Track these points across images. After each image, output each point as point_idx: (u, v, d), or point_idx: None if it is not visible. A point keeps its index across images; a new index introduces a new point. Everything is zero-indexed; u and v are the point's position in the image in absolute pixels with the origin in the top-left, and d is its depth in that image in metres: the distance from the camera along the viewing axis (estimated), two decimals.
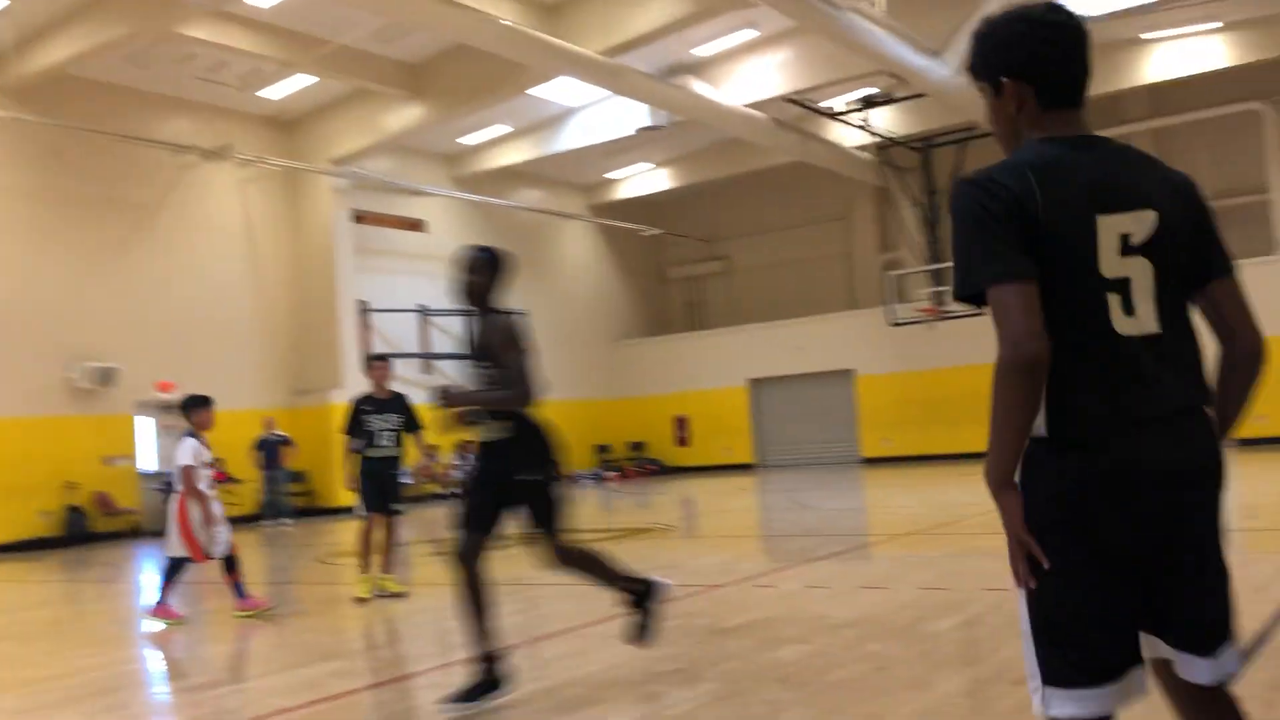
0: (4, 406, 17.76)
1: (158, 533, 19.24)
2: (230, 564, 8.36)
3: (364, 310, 23.46)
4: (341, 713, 5.21)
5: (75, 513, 18.48)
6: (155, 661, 7.36)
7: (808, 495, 17.69)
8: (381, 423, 8.88)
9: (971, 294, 2.19)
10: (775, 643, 5.88)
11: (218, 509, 8.45)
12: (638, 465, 29.40)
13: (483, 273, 5.34)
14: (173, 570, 8.31)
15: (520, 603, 8.38)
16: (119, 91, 19.59)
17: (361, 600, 8.52)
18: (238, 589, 8.34)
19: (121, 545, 17.74)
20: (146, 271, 19.96)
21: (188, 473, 8.28)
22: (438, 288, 25.31)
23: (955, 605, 6.69)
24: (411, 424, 9.02)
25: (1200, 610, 2.16)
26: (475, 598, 5.02)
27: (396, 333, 24.36)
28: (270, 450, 19.48)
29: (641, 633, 5.26)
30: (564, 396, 28.61)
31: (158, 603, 8.24)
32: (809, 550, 10.14)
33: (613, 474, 28.22)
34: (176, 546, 8.30)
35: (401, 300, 24.50)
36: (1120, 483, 2.07)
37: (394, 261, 24.57)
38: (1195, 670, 2.17)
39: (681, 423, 29.86)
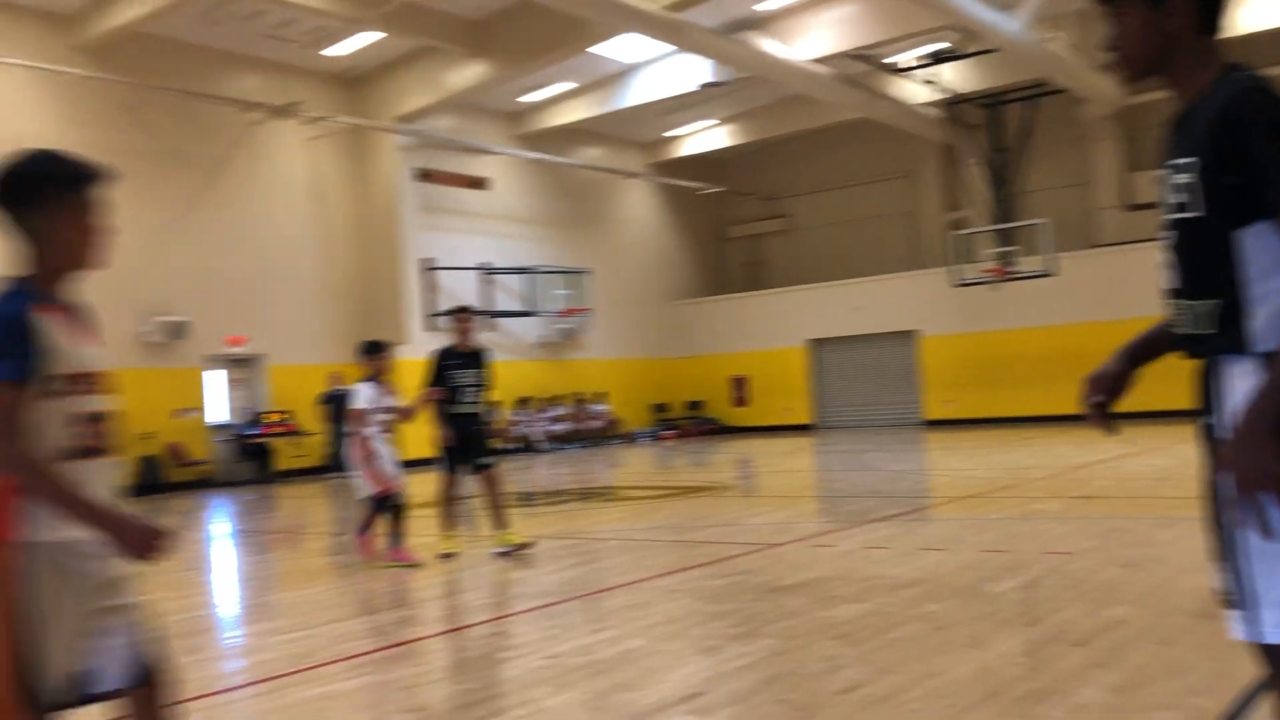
0: None
1: (228, 483, 19.85)
2: (396, 511, 8.44)
3: (428, 268, 23.69)
4: (406, 659, 5.36)
5: (149, 463, 19.03)
6: (228, 607, 7.61)
7: (867, 457, 17.64)
8: (467, 377, 8.66)
9: None
10: (832, 601, 5.93)
11: (387, 453, 8.53)
12: (695, 424, 29.48)
13: None
14: (376, 509, 8.46)
15: (580, 556, 8.52)
16: (190, 49, 19.87)
17: (447, 556, 8.41)
18: (395, 538, 8.36)
19: (192, 495, 18.25)
20: (216, 228, 20.32)
21: (359, 416, 8.44)
22: (500, 246, 25.52)
23: (1016, 567, 6.67)
24: (487, 380, 8.86)
25: None
26: None
27: (459, 290, 24.56)
28: (337, 404, 19.83)
29: None
30: (622, 355, 28.78)
31: (390, 548, 8.32)
32: (868, 511, 10.15)
33: (669, 433, 28.33)
34: (367, 486, 8.46)
35: (464, 258, 24.70)
36: None
37: (457, 220, 24.75)
38: None
39: (740, 382, 29.85)
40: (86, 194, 2.52)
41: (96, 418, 2.56)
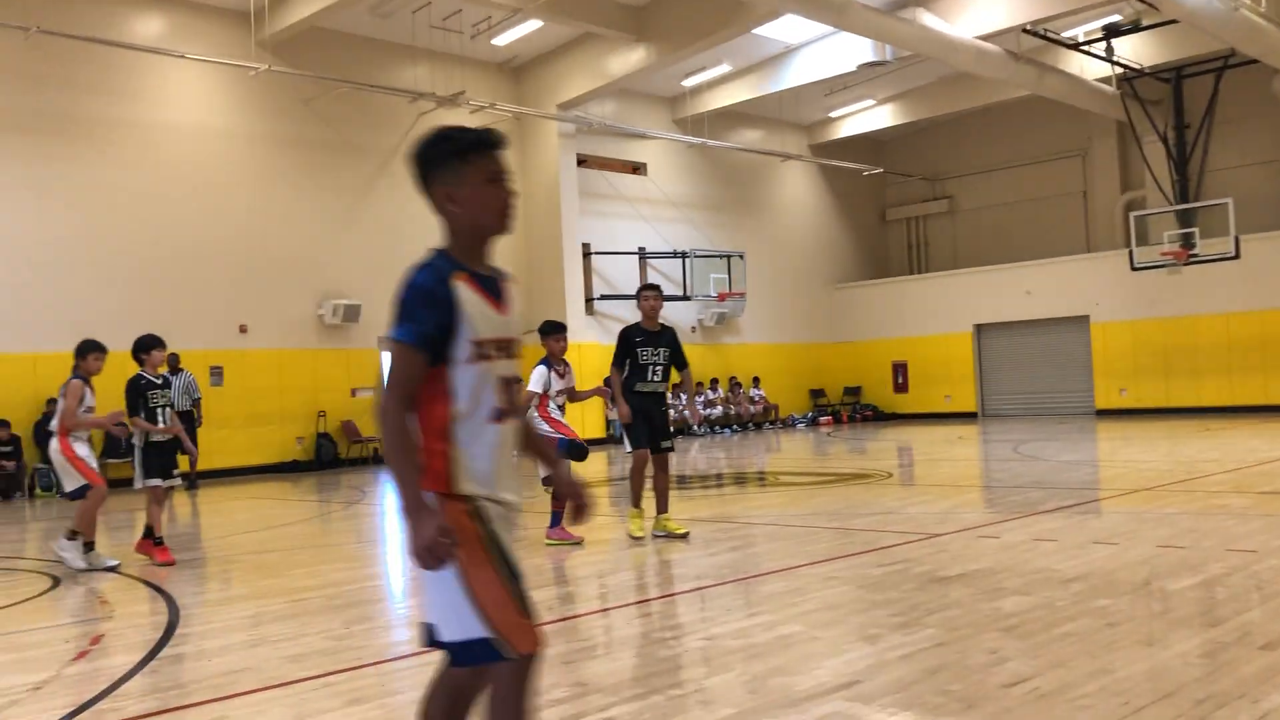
0: (266, 339, 19.30)
1: None
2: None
3: (587, 253, 24.04)
4: (566, 635, 5.48)
5: (325, 439, 19.97)
6: (395, 579, 7.92)
7: (1035, 446, 17.05)
8: (653, 356, 8.49)
9: None
10: (998, 593, 5.77)
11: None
12: (853, 410, 29.06)
13: None
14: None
15: (735, 540, 8.53)
16: (362, 42, 20.67)
17: (635, 539, 8.41)
18: (555, 517, 8.40)
19: (366, 471, 19.06)
20: (386, 214, 21.10)
21: (528, 398, 8.36)
22: (656, 230, 25.68)
23: (1194, 565, 6.36)
24: (679, 359, 8.67)
25: None
26: None
27: (616, 275, 24.88)
28: None
29: None
30: (780, 340, 28.59)
31: (551, 527, 8.42)
32: (1035, 503, 9.82)
33: (827, 418, 28.02)
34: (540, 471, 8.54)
35: (622, 243, 24.96)
36: None
37: (615, 205, 25.03)
38: None
39: (900, 368, 29.26)
40: (487, 162, 2.65)
41: (511, 382, 2.71)
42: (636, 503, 8.65)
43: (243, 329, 19.06)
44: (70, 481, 8.37)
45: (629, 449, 8.62)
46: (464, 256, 2.67)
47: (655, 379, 8.52)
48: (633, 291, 25.96)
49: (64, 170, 17.29)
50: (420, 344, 2.58)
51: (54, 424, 8.45)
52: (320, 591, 7.03)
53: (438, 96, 20.27)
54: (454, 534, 2.49)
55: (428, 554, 2.46)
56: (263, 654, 5.25)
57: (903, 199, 31.57)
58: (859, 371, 29.78)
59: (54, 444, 8.38)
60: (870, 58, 21.87)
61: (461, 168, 2.64)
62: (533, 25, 20.40)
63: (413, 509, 2.50)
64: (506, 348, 2.69)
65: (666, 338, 8.59)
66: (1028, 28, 20.76)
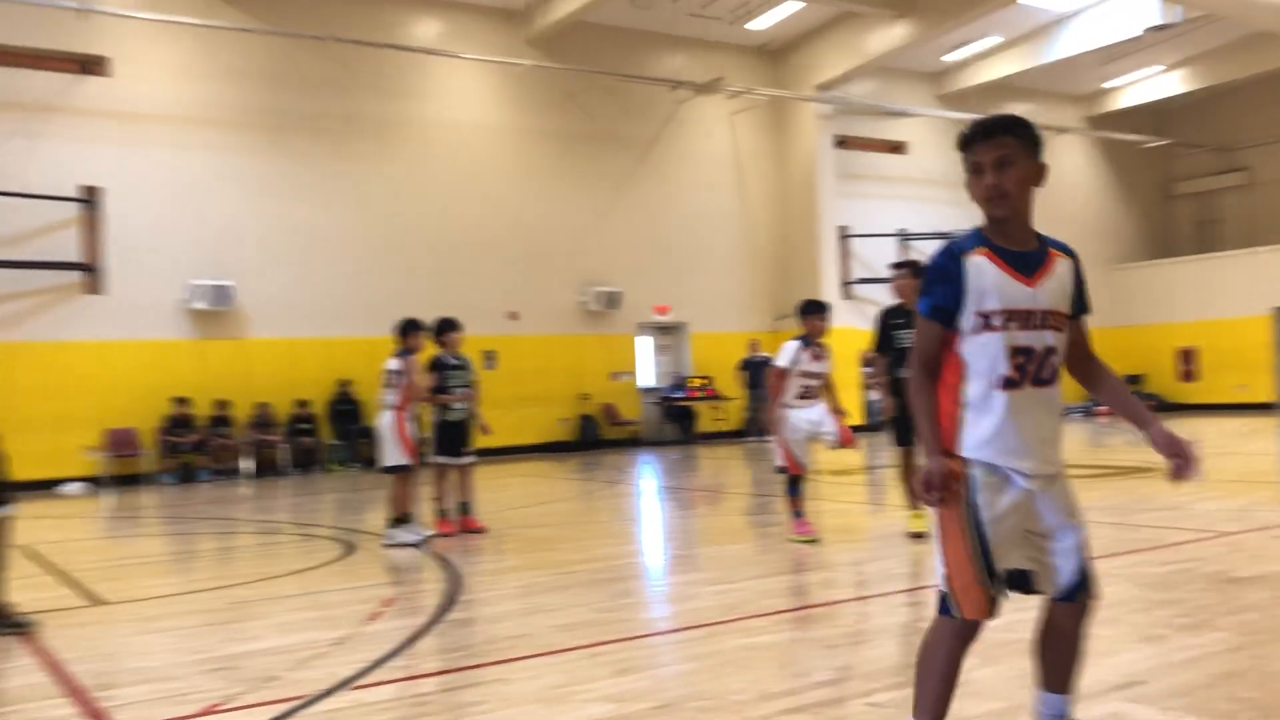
0: (531, 326, 20.21)
1: (654, 443, 21.12)
2: (794, 483, 7.91)
3: (844, 236, 23.68)
4: (827, 620, 5.45)
5: (587, 421, 20.69)
6: (656, 557, 8.12)
7: None
8: (910, 339, 7.87)
9: None
10: None
11: (805, 425, 7.86)
12: None
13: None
14: (789, 486, 7.93)
15: None
16: (622, 34, 21.19)
17: (916, 536, 7.62)
18: (795, 512, 7.90)
19: (624, 452, 19.62)
20: (645, 203, 21.59)
21: (780, 375, 7.83)
22: (918, 211, 24.96)
23: None
24: None
25: None
26: None
27: (875, 258, 24.35)
28: (755, 371, 20.44)
29: None
30: None
31: (794, 517, 7.88)
32: None
33: (1105, 408, 26.38)
34: (778, 458, 7.94)
35: (880, 224, 24.43)
36: None
37: (874, 185, 24.52)
38: None
39: (1188, 355, 27.14)
40: (969, 155, 2.90)
41: (1021, 352, 2.88)
42: (913, 502, 7.78)
43: (514, 315, 20.02)
44: (393, 456, 8.66)
45: (901, 444, 7.94)
46: (991, 233, 2.92)
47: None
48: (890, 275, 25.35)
49: (350, 168, 18.72)
50: (931, 315, 2.92)
51: (389, 399, 8.71)
52: (587, 566, 7.31)
53: (696, 84, 20.51)
54: (954, 480, 2.82)
55: (924, 489, 2.84)
56: (536, 622, 5.52)
57: (1191, 172, 29.22)
58: (1140, 358, 27.84)
59: (388, 417, 8.68)
60: (1156, 20, 20.35)
61: (964, 160, 2.93)
62: (791, 7, 20.27)
63: (926, 452, 2.89)
64: (1023, 319, 2.86)
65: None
66: None
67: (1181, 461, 2.95)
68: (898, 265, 8.24)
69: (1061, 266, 2.99)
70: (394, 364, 8.80)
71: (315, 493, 14.54)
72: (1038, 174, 2.95)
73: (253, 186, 17.94)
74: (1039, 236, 3.00)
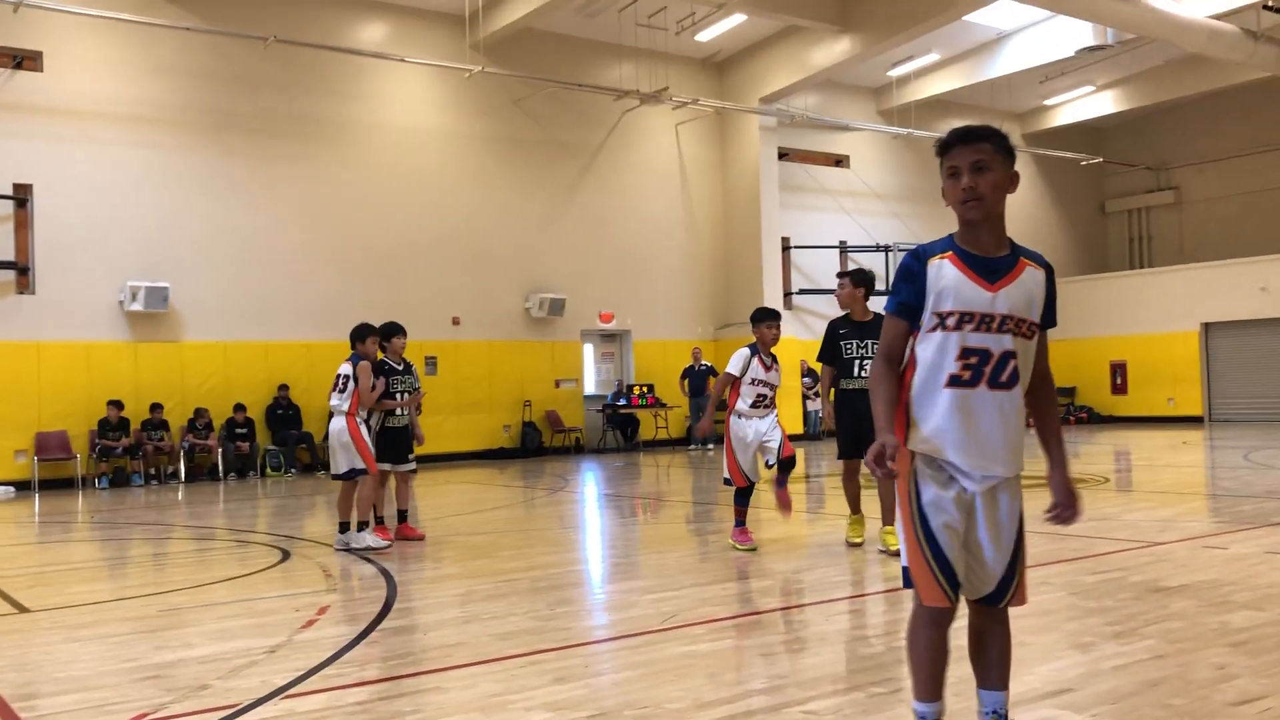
0: (474, 332, 20.10)
1: (597, 450, 21.10)
2: (740, 495, 8.02)
3: (786, 247, 23.90)
4: (766, 628, 5.48)
5: (529, 428, 20.62)
6: (596, 565, 8.11)
7: (1269, 454, 15.86)
8: (859, 349, 7.66)
9: None
10: (1225, 607, 5.42)
11: (753, 437, 7.94)
12: (1068, 411, 27.78)
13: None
14: (736, 497, 8.03)
15: None
16: (569, 41, 21.21)
17: (854, 544, 7.88)
18: (738, 520, 8.01)
19: (567, 459, 19.57)
20: (590, 210, 21.60)
21: (723, 382, 7.94)
22: (858, 224, 25.26)
23: None
24: None
25: None
26: None
27: (816, 269, 24.62)
28: (696, 379, 20.53)
29: None
30: None
31: (735, 525, 7.99)
32: (1269, 513, 9.14)
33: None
34: (725, 468, 8.06)
35: (822, 237, 24.69)
36: None
37: (816, 198, 24.77)
38: None
39: (1119, 369, 27.75)
40: (946, 159, 3.06)
41: (973, 353, 2.98)
42: (854, 509, 7.98)
43: (455, 321, 19.90)
44: (346, 462, 8.50)
45: (844, 455, 7.94)
46: (961, 239, 3.07)
47: (863, 375, 7.56)
48: (834, 286, 25.75)
49: (293, 170, 18.51)
50: (896, 311, 3.09)
51: (340, 404, 8.55)
52: (526, 574, 7.28)
53: (642, 94, 20.57)
54: (897, 453, 2.92)
55: (874, 460, 2.92)
56: (473, 630, 5.48)
57: (1124, 190, 29.92)
58: (1074, 371, 28.42)
59: (340, 423, 8.54)
60: (1090, 42, 20.84)
61: (941, 165, 3.10)
62: (736, 20, 20.42)
63: (878, 433, 2.98)
64: (977, 321, 2.97)
65: (878, 328, 7.53)
66: (1269, 3, 19.29)
67: (1066, 511, 3.12)
68: (841, 275, 8.16)
69: (1031, 277, 3.06)
70: (345, 368, 8.72)
71: (251, 498, 14.32)
72: (1011, 181, 3.10)
73: (190, 187, 17.65)
74: (1013, 245, 3.09)
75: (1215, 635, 4.86)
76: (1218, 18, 19.26)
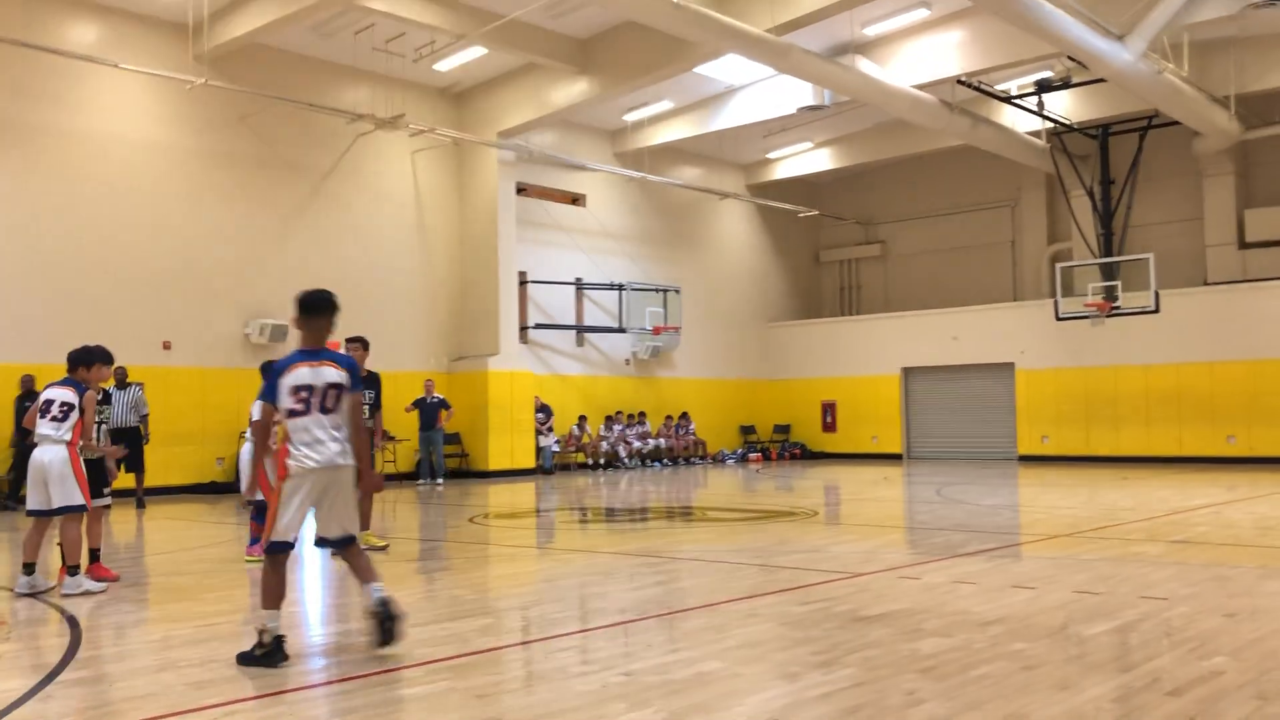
0: (187, 357, 18.88)
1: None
2: (260, 508, 8.53)
3: (524, 281, 23.96)
4: (483, 667, 5.39)
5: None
6: (311, 606, 7.74)
7: (958, 489, 17.28)
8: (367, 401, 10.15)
9: None
10: (917, 634, 5.80)
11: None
12: (782, 448, 29.25)
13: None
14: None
15: (660, 575, 8.49)
16: (302, 61, 20.48)
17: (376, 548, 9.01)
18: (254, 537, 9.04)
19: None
20: (319, 234, 20.85)
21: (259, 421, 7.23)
22: (593, 262, 25.71)
23: (1109, 611, 6.46)
24: (377, 401, 10.49)
25: None
26: None
27: (553, 305, 24.82)
28: (428, 412, 20.16)
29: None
30: (713, 375, 28.72)
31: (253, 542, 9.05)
32: (956, 545, 9.93)
33: (756, 455, 28.15)
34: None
35: (559, 272, 24.95)
36: None
37: (553, 234, 25.02)
38: None
39: (829, 408, 29.54)
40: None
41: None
42: (365, 525, 9.55)
43: (166, 345, 18.64)
44: (62, 496, 7.75)
45: None
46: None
47: (365, 418, 8.87)
48: (570, 322, 26.02)
49: None
50: None
51: (60, 433, 7.83)
52: (231, 617, 6.83)
53: (377, 119, 20.13)
54: None
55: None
56: (167, 679, 5.07)
57: (836, 241, 32.01)
58: (789, 409, 30.01)
59: (58, 453, 7.79)
60: (809, 101, 22.20)
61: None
62: (476, 52, 20.38)
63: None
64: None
65: (372, 382, 10.23)
66: (963, 79, 21.26)
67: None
68: (352, 340, 10.45)
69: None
70: (65, 395, 7.92)
71: None
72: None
73: None
74: None
75: (908, 661, 5.18)
76: (920, 88, 21.03)
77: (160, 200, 18.72)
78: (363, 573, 5.72)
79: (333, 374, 5.66)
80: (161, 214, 18.70)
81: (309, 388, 5.60)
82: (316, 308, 5.81)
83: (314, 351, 5.76)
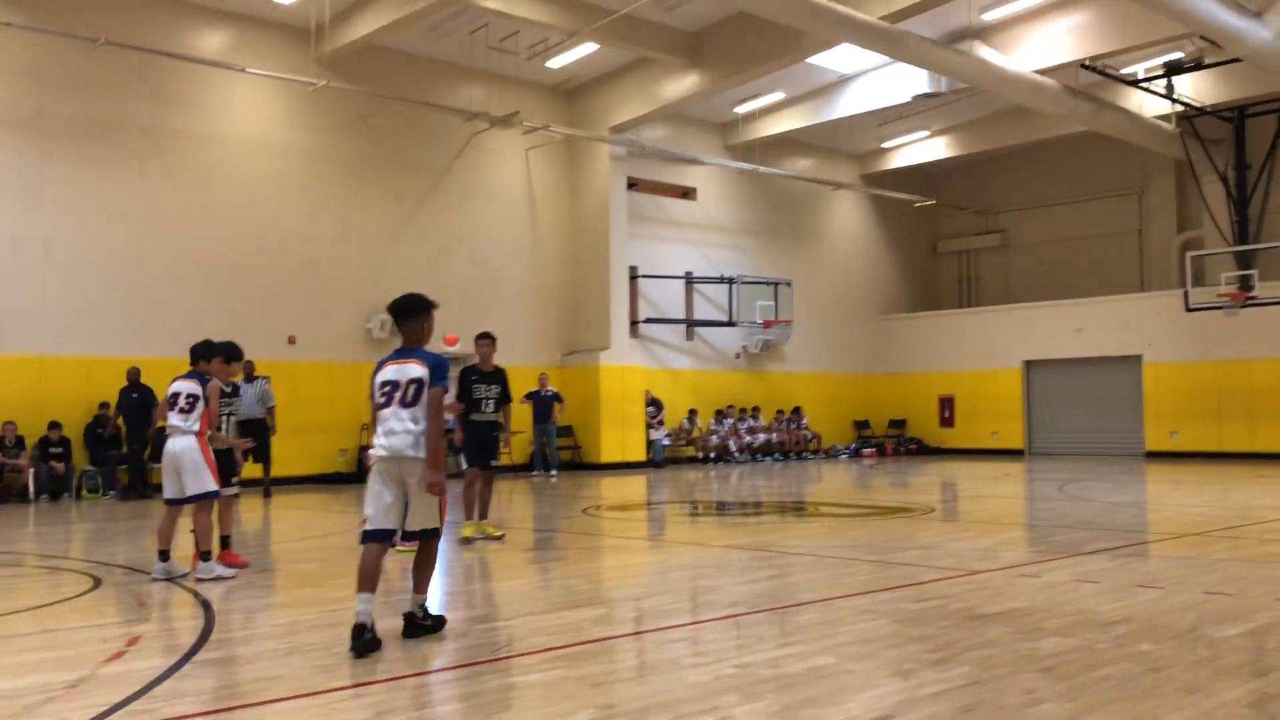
0: (311, 352, 19.52)
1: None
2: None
3: (634, 276, 24.09)
4: (597, 656, 5.45)
5: (368, 451, 20.07)
6: (431, 593, 7.92)
7: (1081, 486, 16.78)
8: (485, 392, 10.48)
9: None
10: (1036, 633, 5.67)
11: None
12: (898, 443, 28.79)
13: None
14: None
15: (773, 569, 8.46)
16: (419, 61, 20.94)
17: (466, 540, 9.83)
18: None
19: None
20: (436, 231, 21.31)
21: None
22: (703, 255, 25.69)
23: (1243, 613, 6.20)
24: (505, 395, 10.62)
25: None
26: None
27: (663, 299, 24.89)
28: (542, 405, 20.43)
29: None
30: (826, 369, 28.43)
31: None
32: (1079, 543, 9.65)
33: (870, 450, 27.77)
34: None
35: (668, 266, 25.00)
36: None
37: (663, 228, 25.08)
38: None
39: (947, 403, 28.96)
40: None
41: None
42: (469, 515, 10.25)
43: (291, 340, 19.29)
44: (196, 485, 8.10)
45: (464, 466, 10.46)
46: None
47: (488, 410, 10.34)
48: (680, 316, 25.99)
49: (119, 178, 17.65)
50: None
51: (188, 424, 8.16)
52: (352, 604, 7.04)
53: (491, 116, 20.46)
54: None
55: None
56: (295, 663, 5.27)
57: (954, 231, 31.34)
58: (905, 404, 29.52)
59: (188, 443, 8.12)
60: (925, 89, 21.78)
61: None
62: (588, 49, 20.55)
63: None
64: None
65: (498, 377, 10.48)
66: (1086, 63, 20.59)
67: None
68: (480, 336, 10.64)
69: None
70: (190, 387, 8.28)
71: (64, 522, 13.50)
72: None
73: (6, 191, 16.63)
74: None
75: (1026, 661, 5.07)
76: (1041, 73, 20.43)
77: (283, 198, 19.37)
78: (420, 580, 5.89)
79: (416, 370, 6.03)
80: (285, 212, 19.35)
81: (394, 383, 6.00)
82: (403, 312, 6.41)
83: (404, 350, 6.22)
